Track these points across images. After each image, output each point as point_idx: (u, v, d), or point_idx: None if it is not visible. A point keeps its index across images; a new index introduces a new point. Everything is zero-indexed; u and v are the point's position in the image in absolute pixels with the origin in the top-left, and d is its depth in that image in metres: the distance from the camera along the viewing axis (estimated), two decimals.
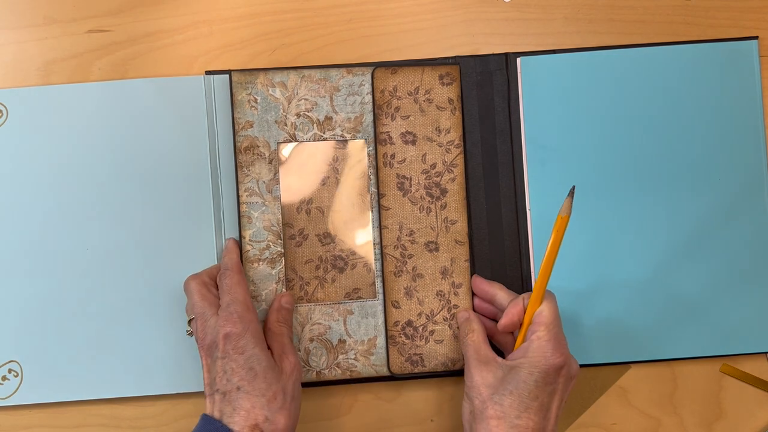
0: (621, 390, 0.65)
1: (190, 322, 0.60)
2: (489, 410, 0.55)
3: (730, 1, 0.66)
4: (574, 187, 0.56)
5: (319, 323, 0.63)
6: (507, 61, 0.64)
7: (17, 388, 0.63)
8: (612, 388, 0.65)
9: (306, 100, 0.64)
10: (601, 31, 0.65)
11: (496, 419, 0.54)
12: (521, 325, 0.58)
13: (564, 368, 0.55)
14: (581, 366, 0.60)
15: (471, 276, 0.63)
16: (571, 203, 0.56)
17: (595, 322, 0.64)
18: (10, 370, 0.63)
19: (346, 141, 0.64)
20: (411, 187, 0.64)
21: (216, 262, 0.63)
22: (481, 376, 0.56)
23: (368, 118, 0.64)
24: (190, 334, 0.60)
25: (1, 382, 0.63)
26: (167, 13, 0.65)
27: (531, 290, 0.59)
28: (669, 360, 0.65)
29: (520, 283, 0.64)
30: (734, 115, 0.64)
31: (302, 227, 0.64)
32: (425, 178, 0.64)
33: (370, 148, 0.64)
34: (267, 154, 0.63)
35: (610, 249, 0.64)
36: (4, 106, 0.63)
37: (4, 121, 0.63)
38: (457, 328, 0.63)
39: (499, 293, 0.61)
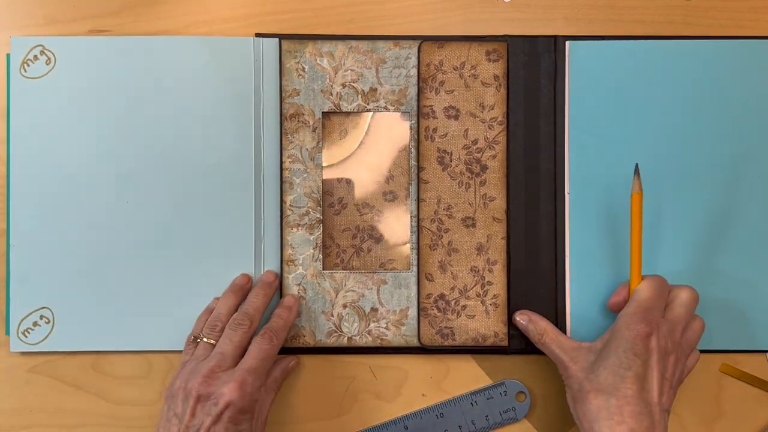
0: None
1: (195, 339, 0.61)
2: (586, 387, 0.56)
3: (730, 1, 0.66)
4: (637, 165, 0.58)
5: (353, 290, 0.64)
6: (555, 44, 0.64)
7: (47, 335, 0.64)
8: None
9: (352, 70, 0.64)
10: (601, 31, 0.65)
11: (594, 392, 0.55)
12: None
13: (651, 337, 0.55)
14: None
15: (506, 254, 0.64)
16: (639, 180, 0.58)
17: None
18: (42, 316, 0.63)
19: (389, 113, 0.64)
20: (451, 161, 0.64)
21: (252, 225, 0.64)
22: (574, 364, 0.58)
23: (412, 91, 0.64)
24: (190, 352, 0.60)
25: (32, 327, 0.63)
26: (167, 13, 0.65)
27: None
28: None
29: (553, 265, 0.64)
30: None
31: (342, 196, 0.65)
32: (466, 154, 0.64)
33: (413, 121, 0.64)
34: (311, 123, 0.64)
35: (646, 238, 0.64)
36: (53, 54, 0.64)
37: (52, 69, 0.64)
38: (482, 306, 0.64)
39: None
